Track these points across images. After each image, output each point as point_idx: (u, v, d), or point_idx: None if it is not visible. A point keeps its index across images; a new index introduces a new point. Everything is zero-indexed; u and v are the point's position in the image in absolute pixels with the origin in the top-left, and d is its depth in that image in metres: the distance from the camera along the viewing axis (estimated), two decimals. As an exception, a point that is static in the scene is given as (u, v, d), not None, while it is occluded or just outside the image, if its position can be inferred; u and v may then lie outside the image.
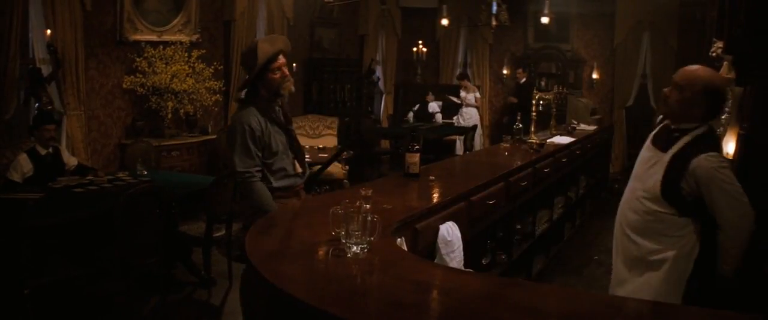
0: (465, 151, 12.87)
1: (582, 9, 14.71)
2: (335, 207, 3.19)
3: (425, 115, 14.62)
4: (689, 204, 3.67)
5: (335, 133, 11.58)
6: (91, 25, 8.71)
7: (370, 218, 3.04)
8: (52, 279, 5.38)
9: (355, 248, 2.99)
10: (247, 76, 4.69)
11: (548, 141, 7.49)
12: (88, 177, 6.67)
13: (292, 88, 4.76)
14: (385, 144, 14.44)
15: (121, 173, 7.19)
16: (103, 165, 8.69)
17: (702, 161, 3.55)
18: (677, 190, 3.66)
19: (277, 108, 4.71)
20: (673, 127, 3.80)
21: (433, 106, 14.67)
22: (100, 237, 5.69)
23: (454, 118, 14.47)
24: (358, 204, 3.08)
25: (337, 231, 3.13)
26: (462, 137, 13.37)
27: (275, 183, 4.66)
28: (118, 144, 9.25)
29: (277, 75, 4.60)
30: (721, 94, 3.69)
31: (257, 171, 4.56)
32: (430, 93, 14.93)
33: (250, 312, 4.55)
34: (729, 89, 4.60)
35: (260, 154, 4.58)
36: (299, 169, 4.81)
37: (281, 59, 4.64)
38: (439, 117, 14.56)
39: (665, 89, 3.83)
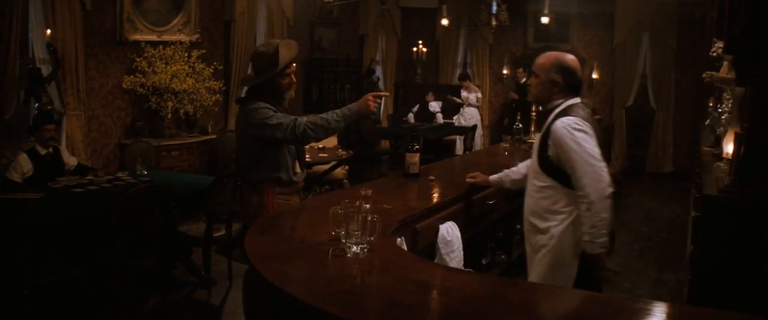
0: (465, 150, 12.87)
1: (582, 9, 14.69)
2: (335, 207, 3.19)
3: (425, 115, 14.60)
4: (565, 173, 3.82)
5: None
6: (91, 25, 8.71)
7: (370, 218, 3.04)
8: (52, 279, 5.38)
9: (355, 248, 3.00)
10: (253, 75, 4.69)
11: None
12: (88, 177, 6.66)
13: (293, 94, 4.75)
14: (384, 144, 14.43)
15: (121, 173, 7.19)
16: (102, 165, 8.69)
17: (558, 123, 3.78)
18: (548, 158, 3.86)
19: (281, 107, 4.69)
20: (543, 109, 4.07)
21: (434, 106, 14.64)
22: (99, 237, 5.69)
23: (455, 117, 14.47)
24: (358, 204, 3.08)
25: (337, 231, 3.14)
26: (462, 137, 13.36)
27: (285, 177, 4.62)
28: (118, 144, 9.24)
29: (286, 80, 4.62)
30: (570, 66, 3.95)
31: (295, 119, 4.46)
32: (430, 92, 14.90)
33: (251, 312, 4.56)
34: (728, 88, 4.61)
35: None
36: (298, 169, 4.79)
37: (293, 66, 4.66)
38: (439, 117, 14.54)
39: (528, 80, 4.17)
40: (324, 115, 4.50)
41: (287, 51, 4.57)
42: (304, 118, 4.50)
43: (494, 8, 10.95)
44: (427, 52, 15.99)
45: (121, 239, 5.40)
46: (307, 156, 7.77)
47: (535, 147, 4.00)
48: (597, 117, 11.22)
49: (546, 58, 3.98)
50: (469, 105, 14.29)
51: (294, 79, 4.70)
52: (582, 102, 3.98)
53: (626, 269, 7.53)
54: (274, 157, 4.59)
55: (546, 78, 3.93)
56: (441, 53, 16.53)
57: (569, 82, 3.92)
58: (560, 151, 3.75)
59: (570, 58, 3.98)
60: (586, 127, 3.76)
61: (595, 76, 14.86)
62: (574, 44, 15.21)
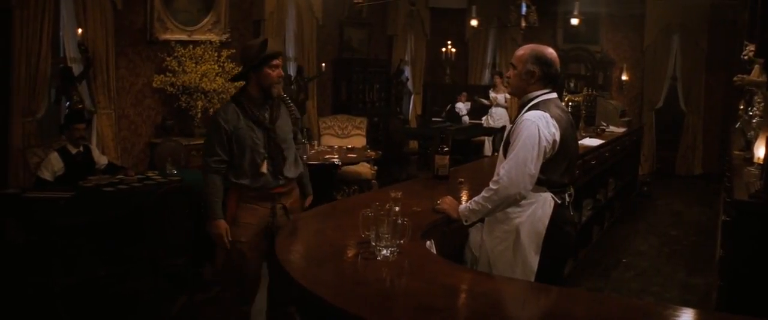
0: (494, 152, 12.83)
1: (612, 10, 14.61)
2: (365, 210, 3.19)
3: (455, 116, 14.58)
4: None
5: (364, 133, 11.57)
6: (122, 25, 8.78)
7: (400, 221, 3.04)
8: (82, 277, 5.43)
9: (384, 251, 3.00)
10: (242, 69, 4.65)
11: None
12: (118, 176, 6.69)
13: (281, 91, 4.70)
14: (413, 144, 14.44)
15: (151, 172, 7.23)
16: (133, 164, 8.75)
17: (527, 114, 3.78)
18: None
19: (265, 107, 4.61)
20: (520, 102, 3.99)
21: (460, 107, 14.60)
22: (129, 236, 5.74)
23: (483, 118, 14.40)
24: (388, 206, 3.08)
25: (367, 233, 3.13)
26: (491, 138, 13.34)
27: (248, 182, 4.53)
28: (148, 143, 9.31)
29: (275, 72, 4.54)
30: (548, 58, 3.90)
31: (215, 161, 4.47)
32: (464, 93, 14.86)
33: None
34: (759, 91, 4.54)
35: (225, 148, 4.48)
36: (264, 169, 4.56)
37: (280, 59, 4.62)
38: (466, 119, 14.49)
39: (507, 73, 4.13)
40: (212, 193, 4.51)
41: (273, 42, 4.59)
42: (213, 172, 4.50)
43: (524, 9, 10.94)
44: (456, 52, 15.95)
45: (150, 238, 5.45)
46: (335, 157, 7.68)
47: (505, 137, 3.97)
48: (626, 119, 11.16)
49: (524, 49, 3.97)
50: (498, 105, 14.23)
51: (282, 74, 4.63)
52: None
53: (655, 272, 7.49)
54: (235, 161, 4.56)
55: (523, 69, 3.89)
56: (470, 54, 16.50)
57: (546, 73, 3.88)
58: (514, 136, 3.75)
59: (548, 50, 3.95)
60: (552, 127, 3.74)
61: (624, 77, 14.78)
62: (603, 45, 15.15)
